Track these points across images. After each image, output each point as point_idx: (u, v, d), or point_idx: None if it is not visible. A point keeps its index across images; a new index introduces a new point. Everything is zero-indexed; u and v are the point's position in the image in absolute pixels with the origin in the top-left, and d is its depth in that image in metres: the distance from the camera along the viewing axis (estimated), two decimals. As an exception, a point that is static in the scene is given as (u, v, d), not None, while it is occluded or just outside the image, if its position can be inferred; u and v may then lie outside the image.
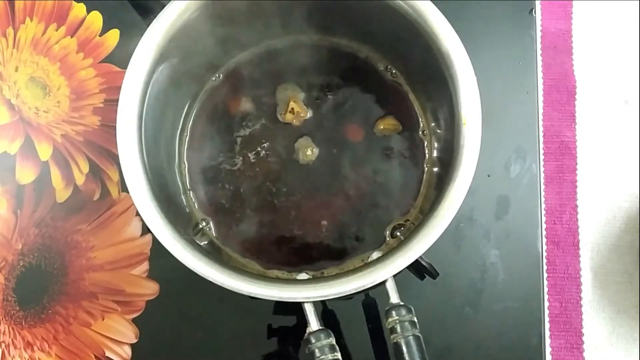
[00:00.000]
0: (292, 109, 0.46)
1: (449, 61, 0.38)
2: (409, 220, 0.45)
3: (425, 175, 0.45)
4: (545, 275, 0.49)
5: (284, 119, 0.47)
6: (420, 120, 0.46)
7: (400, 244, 0.38)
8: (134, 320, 0.48)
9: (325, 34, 0.47)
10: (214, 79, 0.48)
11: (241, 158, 0.47)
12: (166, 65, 0.41)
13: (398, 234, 0.44)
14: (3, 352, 0.48)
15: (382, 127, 0.46)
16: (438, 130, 0.45)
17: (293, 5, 0.44)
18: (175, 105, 0.46)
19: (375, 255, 0.43)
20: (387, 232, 0.45)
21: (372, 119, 0.46)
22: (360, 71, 0.47)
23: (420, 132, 0.46)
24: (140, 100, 0.39)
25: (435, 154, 0.45)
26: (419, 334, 0.37)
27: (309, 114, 0.47)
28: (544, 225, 0.53)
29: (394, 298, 0.38)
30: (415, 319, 0.37)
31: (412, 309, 0.38)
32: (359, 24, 0.44)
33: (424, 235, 0.36)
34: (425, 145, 0.46)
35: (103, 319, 0.48)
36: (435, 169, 0.45)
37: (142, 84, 0.39)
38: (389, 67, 0.47)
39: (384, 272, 0.36)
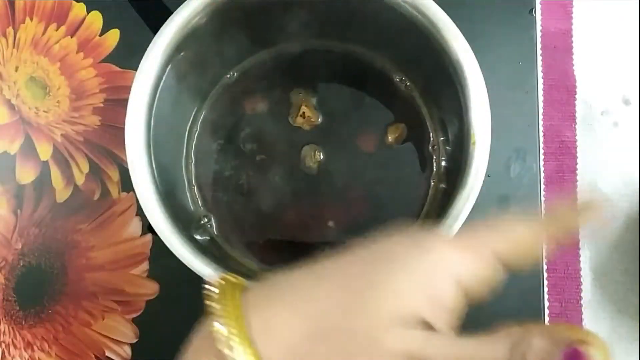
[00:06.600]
0: (304, 113, 0.46)
1: (462, 77, 0.38)
2: None
3: (430, 191, 0.45)
4: (545, 275, 0.49)
5: (294, 122, 0.47)
6: (430, 134, 0.46)
7: None
8: (134, 320, 0.48)
9: (341, 41, 0.47)
10: (228, 76, 0.48)
11: (248, 157, 0.46)
12: (180, 60, 0.41)
13: None
14: (3, 352, 0.48)
15: (390, 138, 0.45)
16: (447, 147, 0.44)
17: (311, 11, 0.43)
18: (187, 99, 0.46)
19: None
20: None
21: (383, 129, 0.46)
22: (375, 80, 0.47)
23: (430, 147, 0.46)
24: (152, 92, 0.39)
25: (442, 170, 0.45)
26: None
27: (320, 119, 0.47)
28: (544, 225, 0.53)
29: None
30: None
31: None
32: (375, 33, 0.44)
33: None
34: (434, 159, 0.46)
35: (103, 319, 0.48)
36: (442, 185, 0.45)
37: (154, 78, 0.39)
38: (403, 78, 0.47)
39: None
